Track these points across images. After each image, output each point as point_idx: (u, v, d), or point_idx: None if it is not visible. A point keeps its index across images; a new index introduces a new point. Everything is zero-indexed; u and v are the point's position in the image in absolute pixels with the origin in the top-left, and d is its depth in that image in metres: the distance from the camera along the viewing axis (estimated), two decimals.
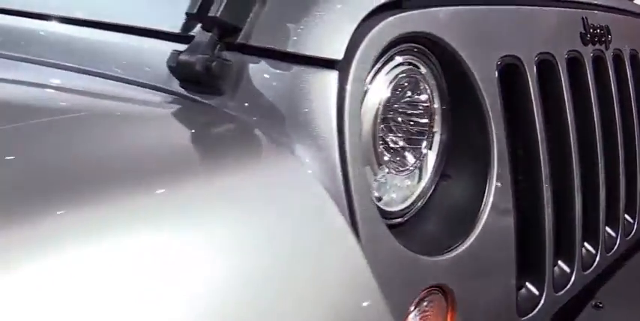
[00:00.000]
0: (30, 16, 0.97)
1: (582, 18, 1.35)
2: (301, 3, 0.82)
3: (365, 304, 0.65)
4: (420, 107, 0.94)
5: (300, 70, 0.79)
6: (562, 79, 1.23)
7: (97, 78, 0.84)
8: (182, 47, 0.84)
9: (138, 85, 0.83)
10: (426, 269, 0.87)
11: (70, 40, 0.93)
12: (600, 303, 1.07)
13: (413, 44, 0.91)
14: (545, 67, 1.19)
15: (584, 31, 1.34)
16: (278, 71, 0.80)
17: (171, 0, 0.89)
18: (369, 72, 0.82)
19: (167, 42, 0.87)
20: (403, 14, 0.87)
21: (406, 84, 0.91)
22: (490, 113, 1.00)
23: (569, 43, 1.28)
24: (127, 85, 0.83)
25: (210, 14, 0.78)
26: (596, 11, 1.42)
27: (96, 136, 0.67)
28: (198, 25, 0.84)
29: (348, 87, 0.78)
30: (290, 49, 0.79)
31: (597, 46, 1.39)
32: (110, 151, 0.64)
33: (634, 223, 1.58)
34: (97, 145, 0.66)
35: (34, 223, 0.52)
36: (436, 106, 0.96)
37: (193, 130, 0.74)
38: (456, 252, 0.92)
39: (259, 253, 0.61)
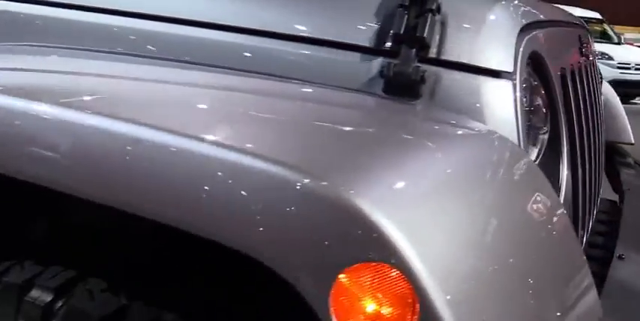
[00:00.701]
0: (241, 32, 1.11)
1: (579, 35, 1.70)
2: (471, 25, 1.06)
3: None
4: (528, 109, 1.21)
5: (480, 79, 1.03)
6: (578, 84, 1.57)
7: (311, 86, 1.02)
8: (371, 59, 1.05)
9: (345, 90, 1.02)
10: None
11: (277, 53, 1.09)
12: (623, 255, 1.42)
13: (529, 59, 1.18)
14: (571, 75, 1.52)
15: (580, 46, 1.69)
16: (462, 80, 1.03)
17: (362, 18, 1.08)
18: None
19: (357, 53, 1.06)
20: (530, 35, 1.14)
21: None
22: (561, 112, 1.30)
23: (578, 56, 1.63)
24: (341, 90, 1.02)
25: (418, 35, 1.00)
26: (582, 30, 1.78)
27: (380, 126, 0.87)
28: (389, 41, 1.04)
29: (518, 94, 1.03)
30: (471, 62, 1.03)
31: (584, 57, 1.76)
32: (391, 139, 0.85)
33: None
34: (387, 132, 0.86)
35: None
36: (534, 108, 1.24)
37: (434, 125, 0.95)
38: None
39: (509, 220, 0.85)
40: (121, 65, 1.07)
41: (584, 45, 1.73)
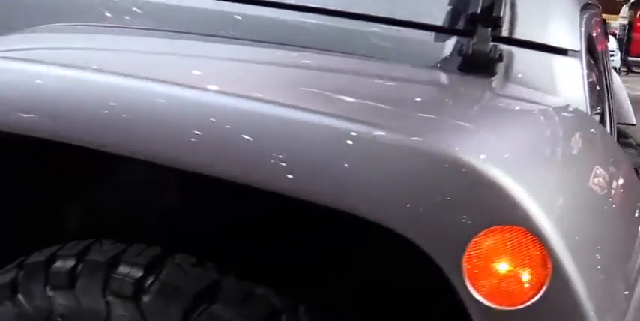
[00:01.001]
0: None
1: (603, 19, 1.77)
2: (540, 5, 1.11)
3: None
4: None
5: (550, 57, 1.08)
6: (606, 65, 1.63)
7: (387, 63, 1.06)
8: (446, 38, 1.09)
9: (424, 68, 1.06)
10: None
11: (362, 34, 1.12)
12: None
13: None
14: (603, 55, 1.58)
15: (605, 29, 1.76)
16: (534, 58, 1.08)
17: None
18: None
19: (432, 33, 1.10)
20: (586, 16, 1.19)
21: None
22: (605, 84, 1.37)
23: (603, 38, 1.69)
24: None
25: (494, 14, 1.03)
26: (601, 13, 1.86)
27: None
28: (461, 21, 1.08)
29: (584, 72, 1.08)
30: (541, 41, 1.08)
31: (606, 40, 1.83)
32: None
33: None
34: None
35: None
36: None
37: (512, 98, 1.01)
38: None
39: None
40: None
41: (605, 27, 1.80)
